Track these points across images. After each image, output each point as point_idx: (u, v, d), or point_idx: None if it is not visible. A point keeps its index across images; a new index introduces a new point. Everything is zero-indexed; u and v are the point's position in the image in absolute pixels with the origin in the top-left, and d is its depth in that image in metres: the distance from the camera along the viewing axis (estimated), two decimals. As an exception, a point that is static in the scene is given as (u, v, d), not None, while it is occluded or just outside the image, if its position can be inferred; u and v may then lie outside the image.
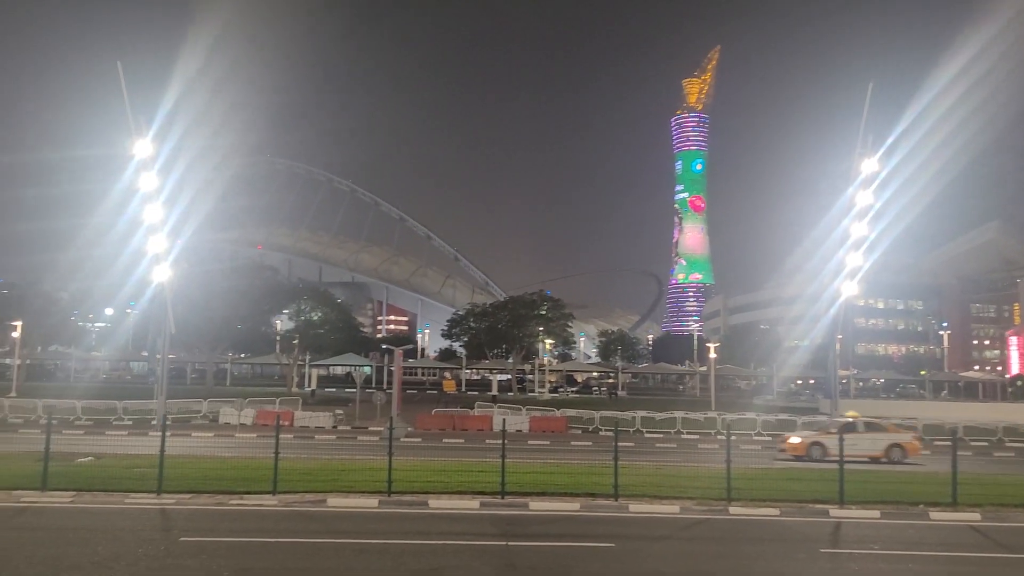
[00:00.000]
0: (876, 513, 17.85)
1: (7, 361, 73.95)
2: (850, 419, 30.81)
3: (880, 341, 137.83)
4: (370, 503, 17.86)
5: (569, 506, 18.11)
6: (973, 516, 17.80)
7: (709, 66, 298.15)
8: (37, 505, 16.98)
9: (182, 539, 14.02)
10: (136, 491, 18.24)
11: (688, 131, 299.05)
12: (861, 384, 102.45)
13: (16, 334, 59.67)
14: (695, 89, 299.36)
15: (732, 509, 18.08)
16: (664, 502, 18.56)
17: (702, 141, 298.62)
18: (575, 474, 21.97)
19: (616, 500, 18.60)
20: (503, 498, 18.56)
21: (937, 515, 17.89)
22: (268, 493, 18.31)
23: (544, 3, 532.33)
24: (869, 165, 36.31)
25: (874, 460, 28.29)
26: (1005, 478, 22.93)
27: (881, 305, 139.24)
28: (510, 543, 14.18)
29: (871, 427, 30.21)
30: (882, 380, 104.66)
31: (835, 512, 17.91)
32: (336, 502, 17.88)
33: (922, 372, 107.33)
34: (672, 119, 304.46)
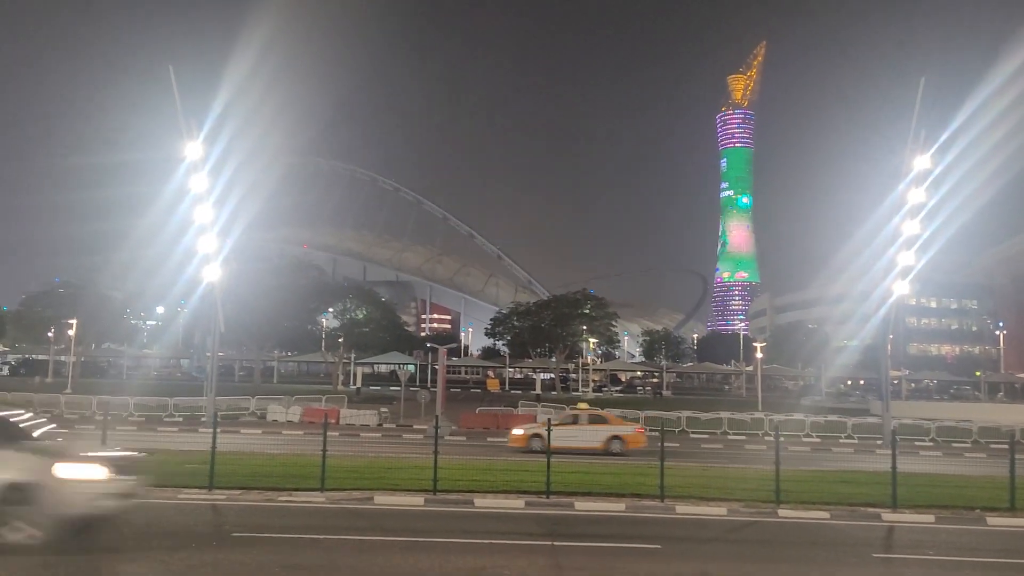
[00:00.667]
0: (931, 517, 17.47)
1: (63, 358, 75.99)
2: (576, 412, 32.04)
3: (933, 341, 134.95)
4: (416, 501, 17.97)
5: (615, 506, 18.02)
6: (1033, 521, 17.35)
7: (755, 62, 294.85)
8: (93, 499, 17.36)
9: (234, 534, 14.25)
10: (188, 487, 18.56)
11: (733, 127, 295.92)
12: (913, 385, 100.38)
13: (71, 332, 61.25)
14: (740, 85, 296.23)
15: (781, 511, 17.84)
16: (711, 504, 18.37)
17: (748, 138, 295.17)
18: (620, 474, 21.88)
19: (662, 501, 18.46)
20: (548, 498, 18.54)
21: (995, 520, 17.43)
22: (316, 490, 18.51)
23: (589, 1, 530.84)
24: (921, 162, 35.49)
25: (595, 452, 28.96)
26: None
27: (934, 304, 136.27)
28: (556, 543, 14.15)
29: (594, 419, 31.18)
30: (935, 381, 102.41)
31: (888, 516, 17.56)
32: (383, 500, 18.01)
33: (977, 373, 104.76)
34: (717, 116, 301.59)
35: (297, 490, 18.60)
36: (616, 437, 30.35)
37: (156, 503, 17.17)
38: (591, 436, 29.63)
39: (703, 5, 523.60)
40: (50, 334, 75.20)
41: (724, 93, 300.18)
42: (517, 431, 31.85)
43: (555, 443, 22.07)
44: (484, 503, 18.03)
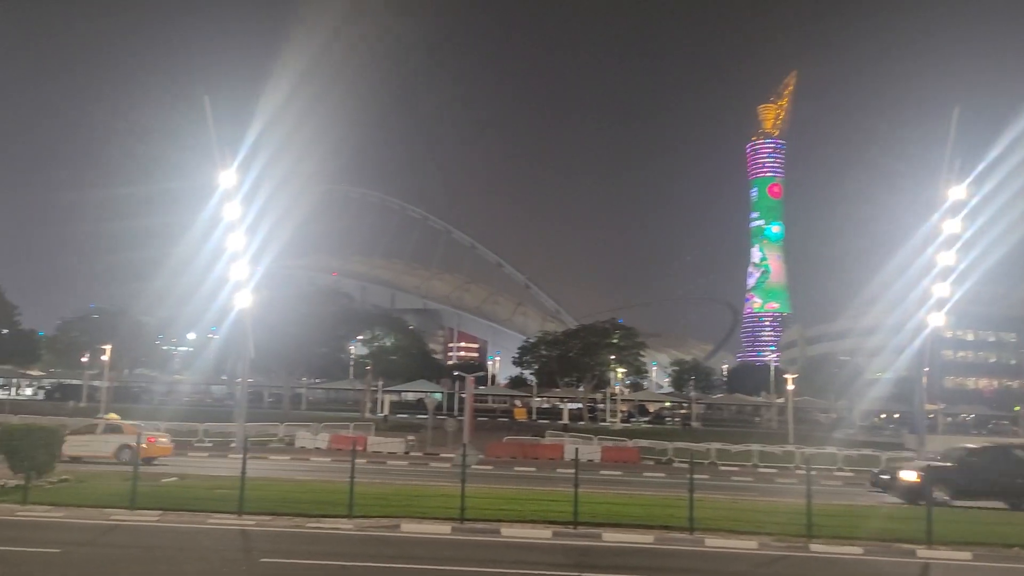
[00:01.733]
0: (968, 555, 17.09)
1: (96, 383, 76.93)
2: (98, 422, 33.05)
3: (970, 375, 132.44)
4: (443, 529, 17.94)
5: (643, 538, 17.85)
6: (1073, 561, 16.93)
7: (786, 91, 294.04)
8: (126, 523, 17.58)
9: (262, 560, 14.33)
10: (218, 511, 18.71)
11: (764, 157, 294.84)
12: (950, 419, 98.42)
13: (105, 357, 62.11)
14: (771, 115, 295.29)
15: (813, 546, 17.56)
16: (741, 537, 18.12)
17: (779, 167, 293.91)
18: (649, 505, 21.69)
19: (691, 533, 18.25)
20: (575, 528, 18.42)
21: (1034, 558, 17.05)
22: (344, 517, 18.56)
23: (618, 29, 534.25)
24: (956, 192, 35.19)
25: (107, 459, 29.55)
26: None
27: (971, 337, 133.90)
28: (584, 574, 14.05)
29: (111, 429, 31.63)
30: (973, 416, 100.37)
31: (923, 552, 17.22)
32: (410, 527, 18.01)
33: (1016, 408, 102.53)
34: (748, 145, 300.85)
35: (325, 516, 18.66)
36: (127, 446, 29.34)
37: (186, 527, 17.36)
38: (101, 445, 30.58)
39: (734, 34, 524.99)
40: (84, 359, 76.23)
41: (755, 122, 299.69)
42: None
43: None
44: (511, 532, 17.96)
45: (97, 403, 64.12)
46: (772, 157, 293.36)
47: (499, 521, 18.79)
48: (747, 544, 17.57)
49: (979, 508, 23.58)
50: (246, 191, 39.10)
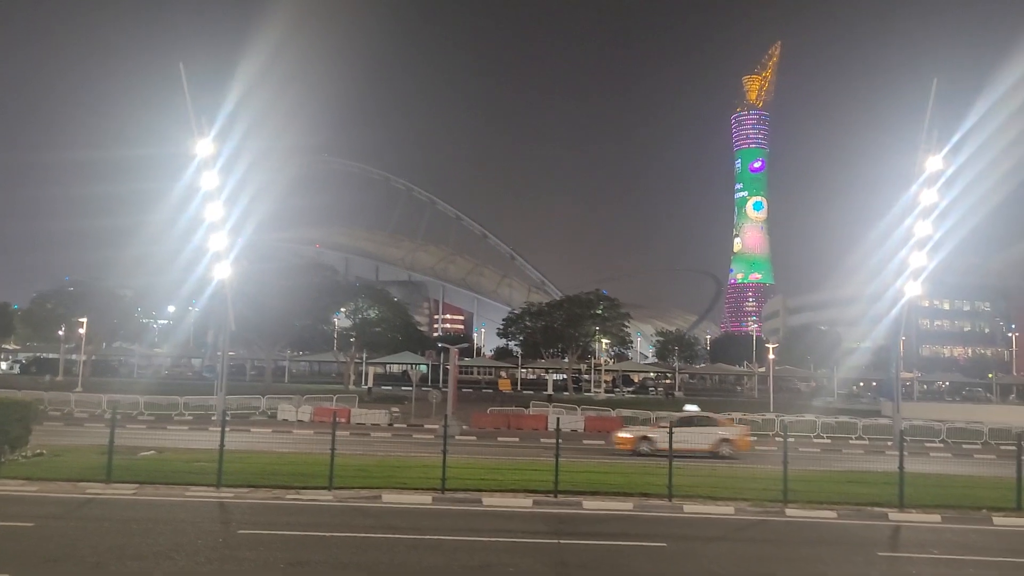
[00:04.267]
0: (937, 517, 17.39)
1: (73, 357, 76.35)
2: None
3: (945, 343, 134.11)
4: (424, 500, 18.02)
5: (622, 505, 18.03)
6: (1040, 522, 17.28)
7: (770, 63, 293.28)
8: (102, 497, 17.53)
9: (240, 532, 14.34)
10: (196, 484, 18.70)
11: (748, 128, 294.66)
12: (925, 387, 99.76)
13: (82, 330, 61.56)
14: (755, 86, 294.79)
15: (788, 511, 17.80)
16: (719, 503, 18.35)
17: (762, 139, 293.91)
18: (629, 474, 21.87)
19: (670, 500, 18.45)
20: (556, 497, 18.57)
21: (1001, 520, 17.36)
22: (324, 489, 18.59)
23: (605, 1, 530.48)
24: (934, 163, 35.28)
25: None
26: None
27: (947, 306, 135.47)
28: (562, 541, 14.18)
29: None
30: (947, 383, 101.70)
31: (894, 515, 17.50)
32: (391, 498, 18.08)
33: (989, 375, 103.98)
34: (732, 116, 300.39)
35: (305, 488, 18.69)
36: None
37: (163, 500, 17.34)
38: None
39: (717, 5, 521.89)
40: (60, 332, 75.51)
41: (739, 94, 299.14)
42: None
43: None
44: (492, 502, 18.06)
45: (75, 377, 63.68)
46: (756, 128, 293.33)
47: (480, 491, 18.90)
48: (724, 510, 17.77)
49: (953, 474, 23.86)
50: (225, 161, 38.59)
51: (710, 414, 33.99)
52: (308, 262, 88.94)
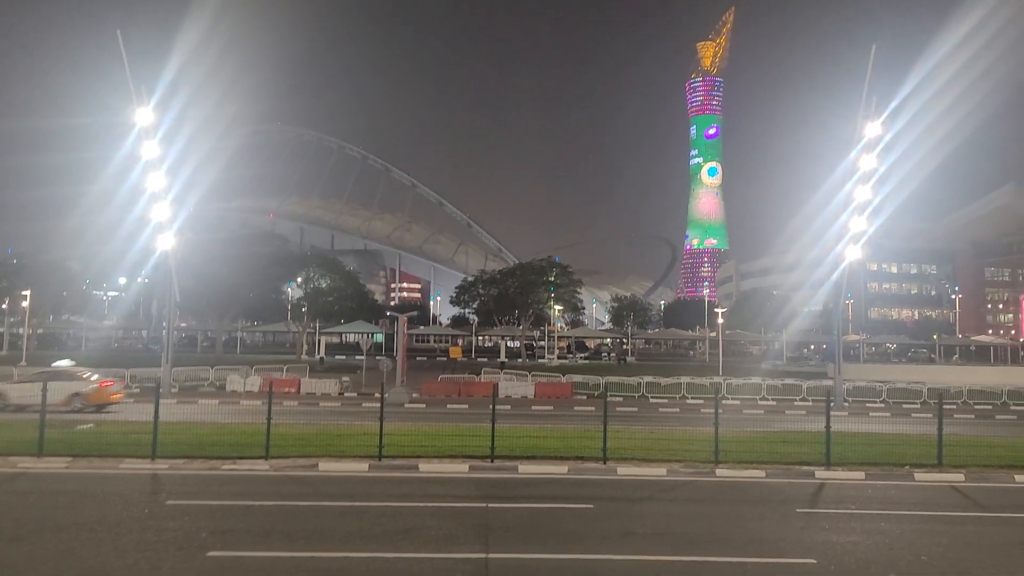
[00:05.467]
0: (861, 475, 17.95)
1: (19, 331, 74.79)
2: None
3: (893, 306, 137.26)
4: (360, 467, 18.11)
5: (557, 469, 18.29)
6: (957, 477, 17.92)
7: (724, 29, 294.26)
8: (32, 471, 17.33)
9: (168, 502, 14.31)
10: (131, 456, 18.57)
11: (702, 95, 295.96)
12: (873, 348, 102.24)
13: (25, 303, 60.27)
14: (709, 52, 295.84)
15: (719, 471, 18.22)
16: (652, 465, 18.70)
17: (716, 105, 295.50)
18: (568, 438, 22.13)
19: (604, 463, 18.77)
20: (492, 462, 18.78)
21: (922, 476, 17.98)
22: (261, 458, 18.59)
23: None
24: (872, 129, 35.86)
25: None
26: (995, 440, 22.98)
27: (894, 270, 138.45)
28: (490, 504, 14.37)
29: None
30: (894, 345, 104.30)
31: (821, 474, 18.02)
32: (327, 467, 18.13)
33: (934, 336, 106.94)
34: (686, 83, 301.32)
35: (242, 458, 18.66)
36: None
37: (95, 473, 17.20)
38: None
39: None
40: (3, 306, 73.70)
41: (693, 60, 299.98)
42: None
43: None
44: (429, 468, 18.21)
45: (19, 351, 62.46)
46: (710, 95, 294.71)
47: (418, 457, 19.03)
48: (656, 471, 18.13)
49: (885, 432, 24.52)
50: (166, 130, 37.81)
51: (73, 369, 33.07)
52: (257, 231, 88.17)
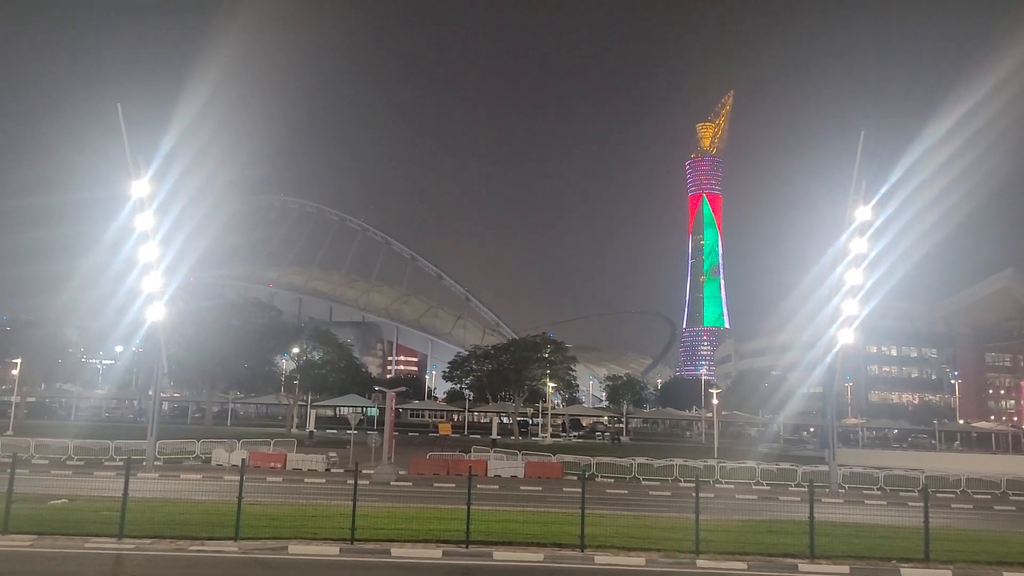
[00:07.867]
0: (846, 568, 17.45)
1: (9, 399, 74.16)
2: None
3: (894, 389, 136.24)
4: (331, 551, 17.63)
5: (533, 556, 17.79)
6: (944, 573, 17.38)
7: (723, 111, 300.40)
8: (-7, 548, 16.88)
9: (126, 586, 13.88)
10: (99, 535, 18.11)
11: (702, 174, 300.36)
12: (874, 433, 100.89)
13: (15, 372, 59.88)
14: (709, 133, 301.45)
15: (699, 562, 17.72)
16: (631, 554, 18.20)
17: (715, 185, 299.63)
18: (547, 523, 21.60)
19: (582, 551, 18.27)
20: (467, 547, 18.29)
21: (908, 571, 17.46)
22: (230, 539, 18.11)
23: (562, 46, 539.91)
24: (863, 213, 36.10)
25: None
26: (987, 534, 22.40)
27: (894, 352, 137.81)
28: (459, 595, 13.93)
29: None
30: (896, 430, 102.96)
31: (804, 567, 17.52)
32: (297, 549, 17.66)
33: (934, 422, 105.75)
34: (687, 162, 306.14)
35: (211, 539, 18.19)
36: None
37: (59, 552, 16.74)
38: None
39: (674, 56, 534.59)
40: (-7, 374, 73.32)
41: (693, 140, 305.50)
42: None
43: None
44: (401, 552, 17.73)
45: (6, 419, 61.75)
46: (709, 174, 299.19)
47: (391, 541, 18.56)
48: (635, 561, 17.64)
49: (874, 523, 23.95)
50: (162, 200, 38.08)
51: None
52: (253, 301, 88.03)
